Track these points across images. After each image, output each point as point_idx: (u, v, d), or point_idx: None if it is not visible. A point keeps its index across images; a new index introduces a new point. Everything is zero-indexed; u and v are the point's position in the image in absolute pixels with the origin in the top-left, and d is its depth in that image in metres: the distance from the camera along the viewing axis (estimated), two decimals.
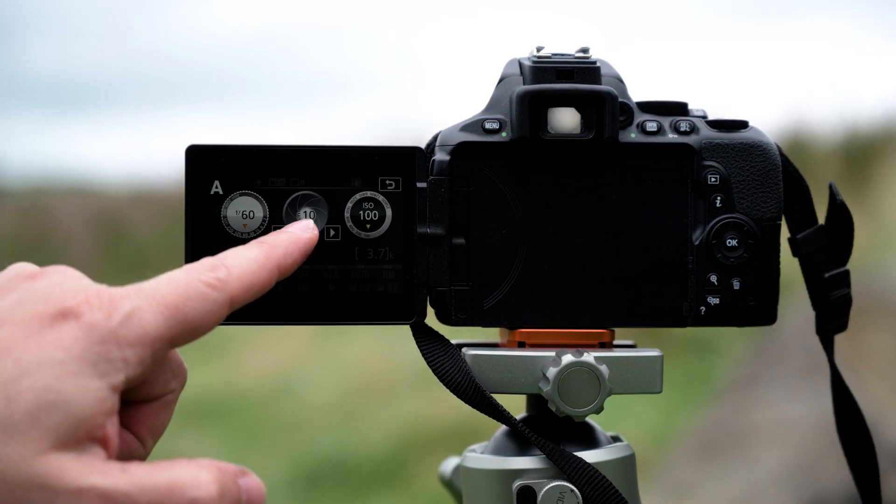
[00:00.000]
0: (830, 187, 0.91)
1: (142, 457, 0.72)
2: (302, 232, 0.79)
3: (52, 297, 0.66)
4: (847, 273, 0.91)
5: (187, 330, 0.68)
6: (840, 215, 0.90)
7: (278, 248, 0.76)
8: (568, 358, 0.85)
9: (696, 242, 0.88)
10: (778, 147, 0.90)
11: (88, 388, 0.64)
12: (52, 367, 0.64)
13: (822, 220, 0.91)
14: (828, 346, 0.93)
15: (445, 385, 0.86)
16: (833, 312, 0.91)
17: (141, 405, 0.72)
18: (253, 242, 0.76)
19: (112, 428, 0.65)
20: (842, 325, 0.92)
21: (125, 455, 0.70)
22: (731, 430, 3.60)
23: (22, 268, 0.70)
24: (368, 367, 5.61)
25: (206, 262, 0.71)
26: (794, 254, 0.91)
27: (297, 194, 0.86)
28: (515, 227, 0.88)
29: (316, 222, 0.85)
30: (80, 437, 0.64)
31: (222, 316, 0.70)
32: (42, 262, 0.72)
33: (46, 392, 0.63)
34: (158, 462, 0.66)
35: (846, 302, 0.91)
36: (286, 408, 5.48)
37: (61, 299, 0.66)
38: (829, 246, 0.90)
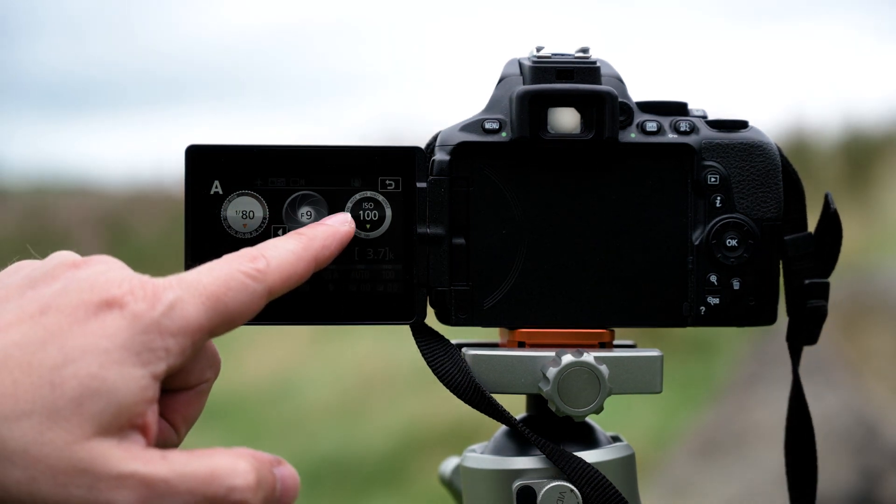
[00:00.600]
0: (826, 197, 0.91)
1: (175, 444, 0.73)
2: (339, 225, 0.81)
3: (96, 286, 0.67)
4: (827, 285, 0.89)
5: (227, 320, 0.70)
6: (831, 225, 0.90)
7: (316, 241, 0.77)
8: (568, 358, 0.85)
9: (696, 242, 0.88)
10: (778, 147, 0.90)
11: (131, 376, 0.66)
12: (96, 356, 0.65)
13: (813, 226, 0.91)
14: (794, 357, 0.92)
15: (445, 385, 0.86)
16: (806, 322, 0.90)
17: (176, 394, 0.73)
18: (291, 234, 0.78)
19: (152, 416, 0.67)
20: (812, 338, 0.91)
21: (160, 443, 0.71)
22: (731, 430, 3.60)
23: (65, 256, 0.71)
24: (368, 367, 5.61)
25: (246, 252, 0.73)
26: (780, 256, 0.90)
27: (297, 194, 0.86)
28: (515, 227, 0.88)
29: (315, 222, 0.85)
30: (121, 424, 0.65)
31: (261, 306, 0.72)
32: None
33: (90, 379, 0.65)
34: (196, 450, 0.67)
35: (821, 314, 0.89)
36: (286, 408, 5.48)
37: (106, 288, 0.67)
38: (815, 254, 0.89)
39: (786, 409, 0.96)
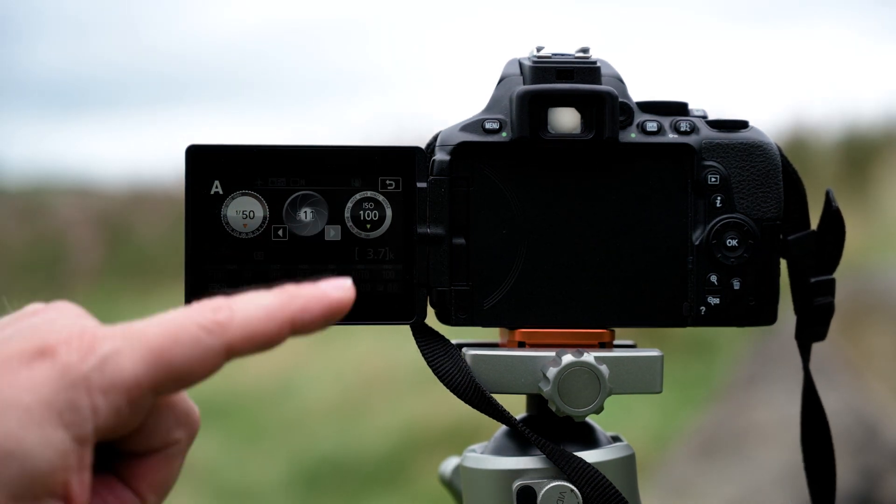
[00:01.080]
0: (827, 194, 0.91)
1: None
2: (332, 290, 0.66)
3: (37, 334, 0.61)
4: (833, 282, 0.90)
5: (173, 377, 0.61)
6: (833, 222, 0.90)
7: (297, 301, 0.65)
8: (568, 358, 0.85)
9: (696, 242, 0.88)
10: (778, 147, 0.90)
11: (51, 439, 0.59)
12: (17, 412, 0.59)
13: (815, 224, 0.91)
14: (804, 353, 0.92)
15: (445, 385, 0.86)
16: (814, 319, 0.90)
17: (140, 457, 0.65)
18: (276, 289, 0.66)
19: (78, 484, 0.60)
20: (821, 334, 0.91)
21: None
22: (731, 430, 3.60)
23: (32, 306, 0.65)
24: (368, 367, 5.61)
25: (213, 302, 0.64)
26: (783, 255, 0.90)
27: (297, 194, 0.86)
28: (515, 227, 0.88)
29: (316, 222, 0.86)
30: (37, 493, 0.59)
31: (217, 364, 0.63)
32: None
33: (7, 439, 0.58)
34: None
35: (829, 310, 0.90)
36: (286, 408, 5.48)
37: (45, 336, 0.61)
38: (818, 252, 0.90)
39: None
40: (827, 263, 0.90)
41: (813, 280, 0.89)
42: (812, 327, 0.91)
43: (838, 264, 0.90)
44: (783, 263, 0.91)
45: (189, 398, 0.67)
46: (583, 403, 0.85)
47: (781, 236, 0.90)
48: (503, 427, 0.89)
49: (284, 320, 0.65)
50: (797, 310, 0.91)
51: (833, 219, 0.90)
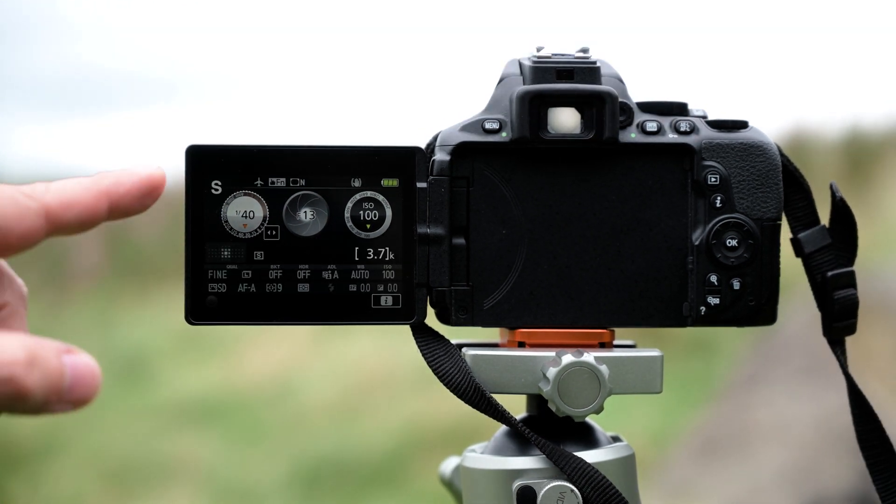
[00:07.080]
0: (831, 186, 0.91)
1: None
2: (142, 168, 0.72)
3: None
4: (852, 273, 0.89)
5: None
6: (841, 213, 0.90)
7: (108, 177, 0.70)
8: (568, 358, 0.85)
9: (696, 242, 0.88)
10: (778, 147, 0.90)
11: None
12: None
13: (825, 221, 0.91)
14: (838, 351, 0.91)
15: (445, 385, 0.86)
16: (838, 313, 0.89)
17: None
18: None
19: None
20: (850, 328, 0.90)
21: None
22: (731, 430, 3.60)
23: None
24: (368, 367, 5.61)
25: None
26: (797, 254, 0.90)
27: (297, 194, 0.86)
28: (515, 227, 0.88)
29: (316, 222, 0.86)
30: None
31: (35, 224, 0.66)
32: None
33: None
34: None
35: (852, 302, 0.89)
36: (286, 408, 5.48)
37: None
38: (833, 245, 0.89)
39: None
40: (844, 256, 0.89)
41: (830, 274, 0.89)
42: (838, 321, 0.89)
43: (856, 255, 0.89)
44: (795, 262, 0.90)
45: (8, 267, 0.70)
46: (583, 403, 0.85)
47: (792, 235, 0.90)
48: (503, 427, 0.89)
49: (98, 192, 0.69)
50: (820, 306, 0.90)
51: (840, 209, 0.89)
